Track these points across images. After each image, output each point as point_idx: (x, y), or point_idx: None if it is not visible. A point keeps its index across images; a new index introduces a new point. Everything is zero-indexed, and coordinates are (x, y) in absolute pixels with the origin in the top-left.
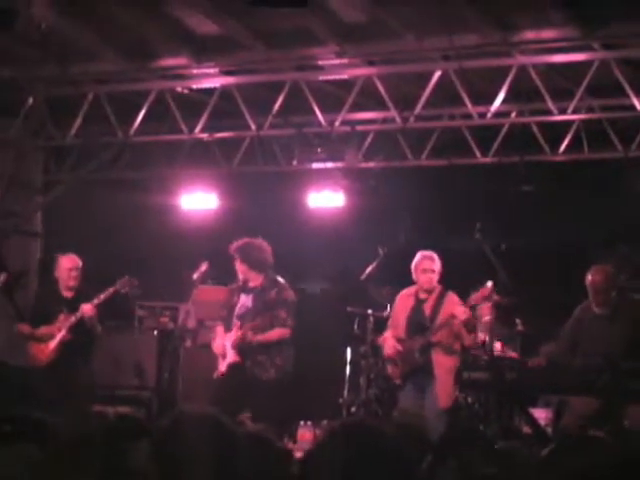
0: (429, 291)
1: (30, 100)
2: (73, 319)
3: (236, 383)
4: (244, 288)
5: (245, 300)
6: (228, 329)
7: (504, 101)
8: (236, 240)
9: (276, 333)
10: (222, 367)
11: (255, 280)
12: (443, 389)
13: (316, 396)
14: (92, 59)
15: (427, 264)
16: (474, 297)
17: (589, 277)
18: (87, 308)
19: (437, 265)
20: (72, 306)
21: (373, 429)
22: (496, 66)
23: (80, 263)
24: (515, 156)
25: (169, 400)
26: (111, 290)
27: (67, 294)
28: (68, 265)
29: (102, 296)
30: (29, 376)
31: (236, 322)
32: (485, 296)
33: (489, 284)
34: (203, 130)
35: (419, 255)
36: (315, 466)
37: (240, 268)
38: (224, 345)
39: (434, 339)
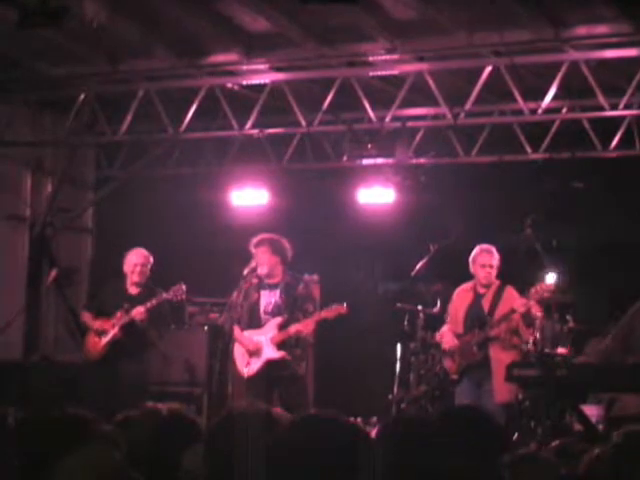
0: (487, 285)
1: (81, 97)
2: (126, 318)
3: (271, 380)
4: (262, 285)
5: (270, 296)
6: (252, 327)
7: (555, 97)
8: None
9: (310, 325)
10: (255, 365)
11: (277, 276)
12: (501, 385)
13: (366, 393)
14: (143, 56)
15: (485, 259)
16: (534, 290)
17: None
18: (138, 312)
19: (495, 259)
20: (135, 303)
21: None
22: (547, 62)
23: (149, 259)
24: (566, 152)
25: (220, 396)
26: (163, 297)
27: (133, 290)
28: (133, 260)
29: (154, 301)
30: (74, 372)
31: (267, 318)
32: (546, 292)
33: (549, 280)
34: (253, 126)
35: (477, 249)
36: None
37: (269, 261)
38: (257, 343)
39: (492, 334)
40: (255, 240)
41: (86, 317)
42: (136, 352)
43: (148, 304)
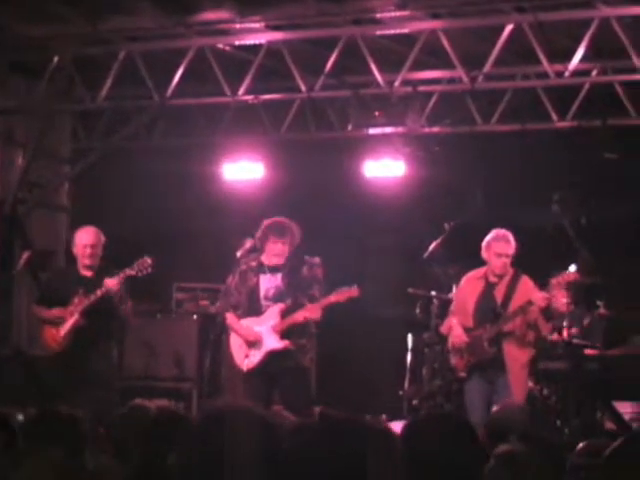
0: (501, 275)
1: (56, 60)
2: (87, 301)
3: (272, 373)
4: (261, 268)
5: (271, 280)
6: (250, 314)
7: (584, 58)
8: (275, 216)
9: (318, 310)
10: (256, 357)
11: (280, 260)
12: (516, 383)
13: (373, 388)
14: (125, 13)
15: (502, 248)
16: (556, 281)
17: None
18: (112, 283)
19: (512, 248)
20: (91, 287)
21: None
22: (576, 19)
23: (100, 238)
24: (597, 119)
25: (211, 393)
26: (127, 272)
27: (86, 273)
28: (83, 241)
29: (122, 275)
30: (43, 366)
31: (268, 304)
32: (569, 282)
33: (573, 268)
34: (248, 92)
35: (494, 234)
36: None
37: (282, 249)
38: (258, 332)
39: (506, 328)
40: (271, 225)
41: (38, 310)
42: (101, 339)
43: (122, 274)
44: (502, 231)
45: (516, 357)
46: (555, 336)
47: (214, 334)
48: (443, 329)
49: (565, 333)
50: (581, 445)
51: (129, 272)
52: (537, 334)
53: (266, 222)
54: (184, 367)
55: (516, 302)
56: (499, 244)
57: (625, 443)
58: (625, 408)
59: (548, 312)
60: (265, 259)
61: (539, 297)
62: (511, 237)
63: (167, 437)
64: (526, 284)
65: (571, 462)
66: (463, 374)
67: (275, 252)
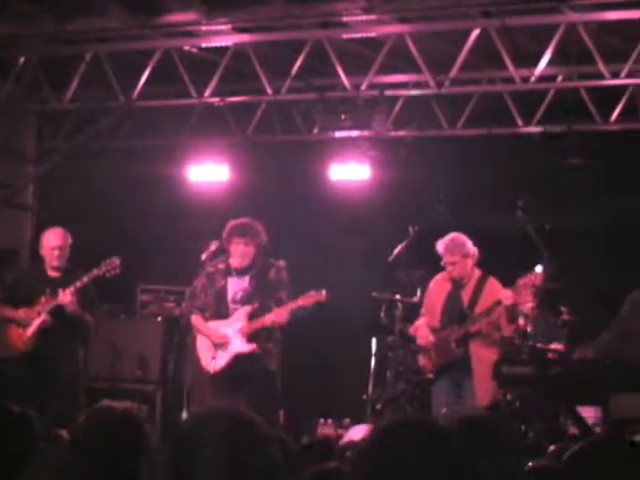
0: (461, 277)
1: (22, 59)
2: (54, 302)
3: (239, 376)
4: (229, 271)
5: (238, 283)
6: (218, 317)
7: (550, 63)
8: (237, 218)
9: (285, 314)
10: (222, 359)
11: (247, 262)
12: (483, 385)
13: (337, 391)
14: (92, 14)
15: (446, 258)
16: (522, 283)
17: None
18: (63, 294)
19: (458, 254)
20: (58, 287)
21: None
22: (542, 24)
23: (68, 240)
24: (562, 125)
25: (175, 395)
26: (95, 273)
27: (53, 274)
28: (51, 243)
29: (85, 279)
30: (7, 366)
31: (235, 307)
32: (536, 284)
33: (539, 270)
34: (214, 94)
35: (438, 244)
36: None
37: (244, 250)
38: (224, 334)
39: (473, 329)
40: (234, 226)
41: (3, 309)
42: (70, 339)
43: (78, 283)
44: (446, 240)
45: (482, 357)
46: (518, 340)
47: (178, 336)
48: (411, 330)
49: (528, 337)
50: (552, 448)
51: (96, 272)
52: (501, 334)
53: (230, 223)
54: (148, 369)
55: (483, 303)
56: (444, 255)
57: (583, 447)
58: (588, 413)
59: (513, 312)
60: (232, 262)
61: (506, 295)
62: (454, 246)
63: (133, 440)
64: (493, 285)
65: (537, 465)
66: (431, 375)
67: (238, 253)
